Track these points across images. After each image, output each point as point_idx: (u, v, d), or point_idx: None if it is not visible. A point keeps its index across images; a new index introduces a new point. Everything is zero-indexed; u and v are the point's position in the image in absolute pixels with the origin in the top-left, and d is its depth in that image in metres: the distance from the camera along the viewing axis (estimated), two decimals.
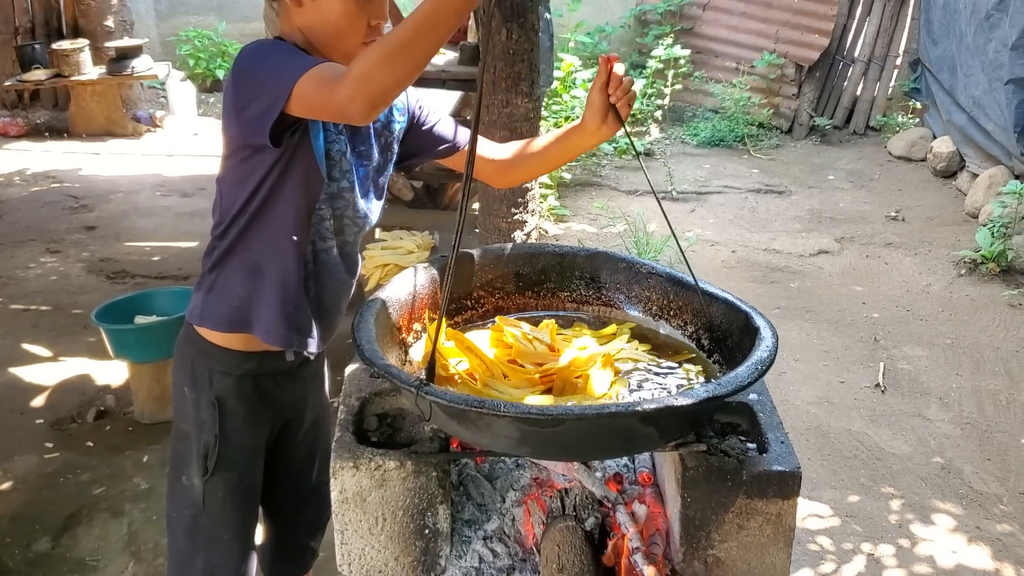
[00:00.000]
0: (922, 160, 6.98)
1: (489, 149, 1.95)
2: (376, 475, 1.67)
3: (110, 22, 7.43)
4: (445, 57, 4.65)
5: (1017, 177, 5.60)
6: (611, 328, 1.94)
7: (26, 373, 3.90)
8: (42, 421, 3.56)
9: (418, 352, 1.89)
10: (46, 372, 3.90)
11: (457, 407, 1.48)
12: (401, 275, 1.93)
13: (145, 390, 3.50)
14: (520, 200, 2.99)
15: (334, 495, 1.70)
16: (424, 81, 4.62)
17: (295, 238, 1.74)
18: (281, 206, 1.71)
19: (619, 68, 1.75)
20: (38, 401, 3.70)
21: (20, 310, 4.46)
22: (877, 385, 4.03)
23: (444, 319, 1.57)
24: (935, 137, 6.94)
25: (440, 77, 4.44)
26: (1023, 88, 5.56)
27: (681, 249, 1.85)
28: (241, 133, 1.64)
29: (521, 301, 2.09)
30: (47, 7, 7.45)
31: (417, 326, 1.93)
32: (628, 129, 1.74)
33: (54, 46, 6.99)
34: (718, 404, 1.63)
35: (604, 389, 1.68)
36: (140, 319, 3.52)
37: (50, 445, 3.41)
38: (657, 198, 1.80)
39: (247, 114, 1.58)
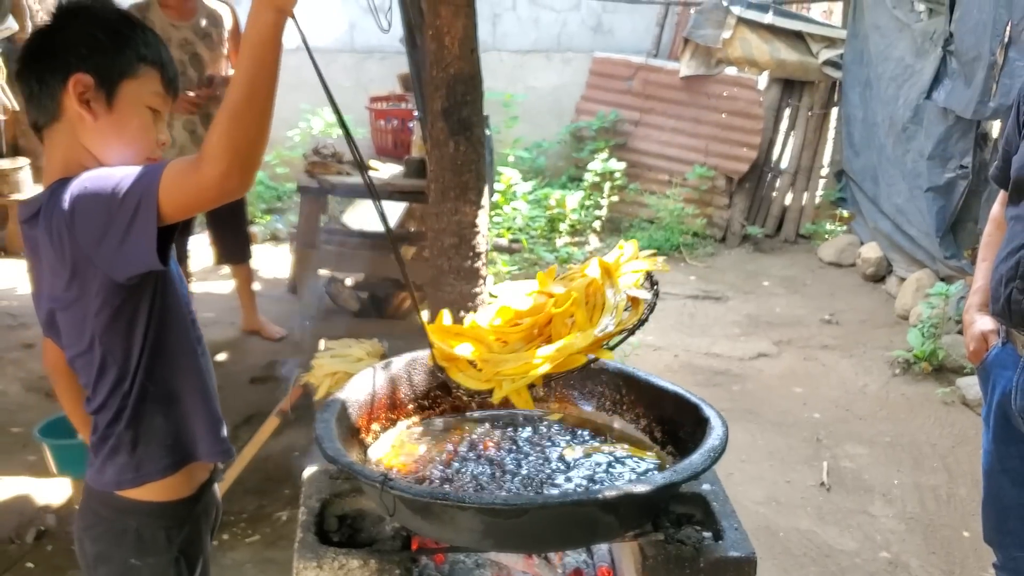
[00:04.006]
0: (852, 265, 7.24)
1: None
2: (339, 575, 1.67)
3: None
4: (391, 171, 4.77)
5: (943, 279, 5.83)
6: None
7: None
8: None
9: (377, 451, 1.91)
10: None
11: (421, 500, 1.51)
12: (360, 375, 1.97)
13: None
14: (471, 305, 3.06)
15: None
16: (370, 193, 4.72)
17: (192, 347, 1.74)
18: (172, 324, 1.70)
19: None
20: None
21: None
22: (822, 483, 4.10)
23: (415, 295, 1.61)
24: (863, 243, 7.21)
25: (387, 189, 4.55)
26: (941, 195, 5.86)
27: None
28: (113, 270, 1.54)
29: (479, 399, 2.13)
30: None
31: (376, 426, 1.96)
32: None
33: None
34: (674, 491, 1.67)
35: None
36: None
37: None
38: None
39: (110, 247, 1.49)
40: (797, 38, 7.63)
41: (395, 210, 5.78)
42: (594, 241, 7.59)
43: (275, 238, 7.48)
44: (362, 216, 6.41)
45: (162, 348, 1.67)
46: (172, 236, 1.53)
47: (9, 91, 6.87)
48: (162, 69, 1.68)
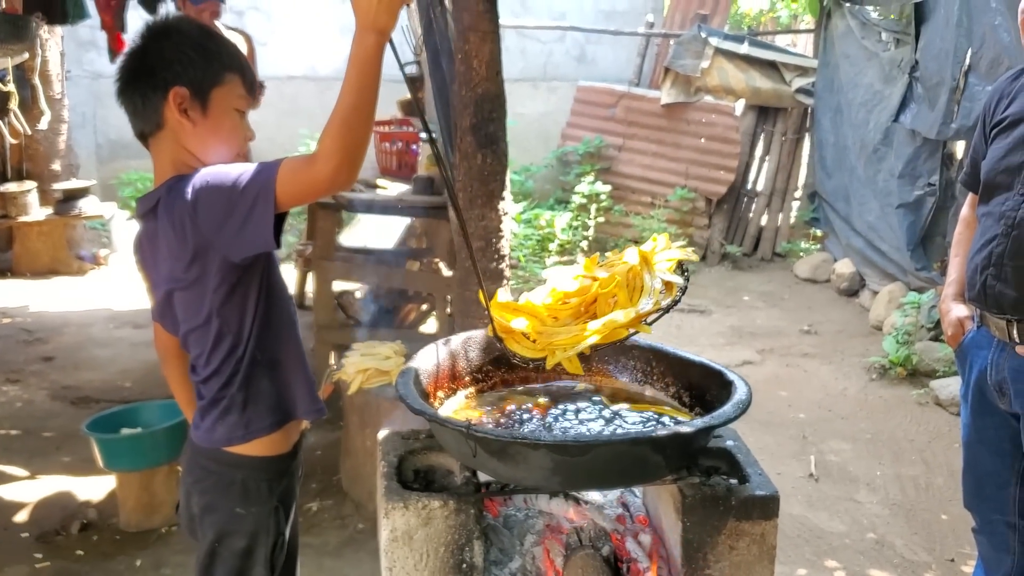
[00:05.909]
0: (826, 281, 7.62)
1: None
2: (423, 513, 1.93)
3: (57, 165, 7.68)
4: (400, 188, 5.06)
5: (914, 291, 6.20)
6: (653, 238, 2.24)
7: (4, 491, 3.98)
8: (27, 535, 3.64)
9: (444, 414, 2.18)
10: (24, 490, 3.99)
11: (500, 441, 1.78)
12: (426, 349, 2.24)
13: (133, 499, 3.63)
14: None
15: (384, 535, 1.94)
16: (383, 208, 5.02)
17: (292, 318, 2.01)
18: (276, 299, 1.96)
19: None
20: (20, 516, 3.78)
21: None
22: (810, 475, 4.41)
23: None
24: (836, 260, 7.59)
25: (397, 204, 4.84)
26: (911, 211, 6.25)
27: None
28: (231, 252, 1.77)
29: (524, 374, 2.41)
30: None
31: (441, 393, 2.23)
32: None
33: (0, 189, 7.18)
34: (710, 436, 1.96)
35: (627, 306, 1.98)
36: (126, 431, 3.69)
37: (39, 555, 3.49)
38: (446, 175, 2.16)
39: (230, 231, 1.71)
40: (771, 68, 8.05)
41: (398, 227, 6.08)
42: (581, 260, 7.90)
43: None
44: (360, 235, 6.68)
45: (269, 319, 1.93)
46: (283, 223, 1.80)
47: (21, 116, 7.10)
48: (242, 74, 1.93)
